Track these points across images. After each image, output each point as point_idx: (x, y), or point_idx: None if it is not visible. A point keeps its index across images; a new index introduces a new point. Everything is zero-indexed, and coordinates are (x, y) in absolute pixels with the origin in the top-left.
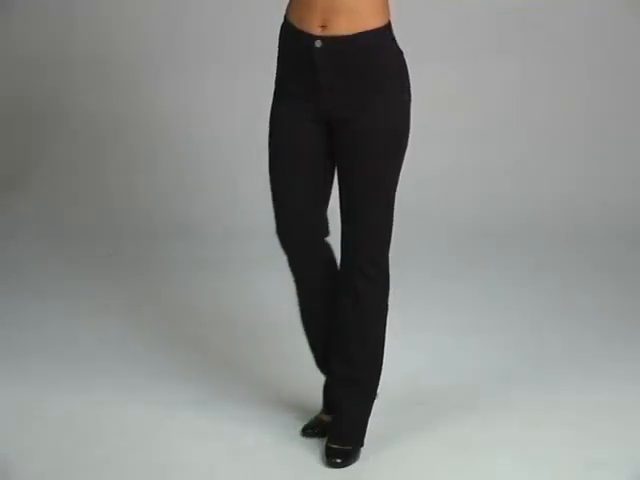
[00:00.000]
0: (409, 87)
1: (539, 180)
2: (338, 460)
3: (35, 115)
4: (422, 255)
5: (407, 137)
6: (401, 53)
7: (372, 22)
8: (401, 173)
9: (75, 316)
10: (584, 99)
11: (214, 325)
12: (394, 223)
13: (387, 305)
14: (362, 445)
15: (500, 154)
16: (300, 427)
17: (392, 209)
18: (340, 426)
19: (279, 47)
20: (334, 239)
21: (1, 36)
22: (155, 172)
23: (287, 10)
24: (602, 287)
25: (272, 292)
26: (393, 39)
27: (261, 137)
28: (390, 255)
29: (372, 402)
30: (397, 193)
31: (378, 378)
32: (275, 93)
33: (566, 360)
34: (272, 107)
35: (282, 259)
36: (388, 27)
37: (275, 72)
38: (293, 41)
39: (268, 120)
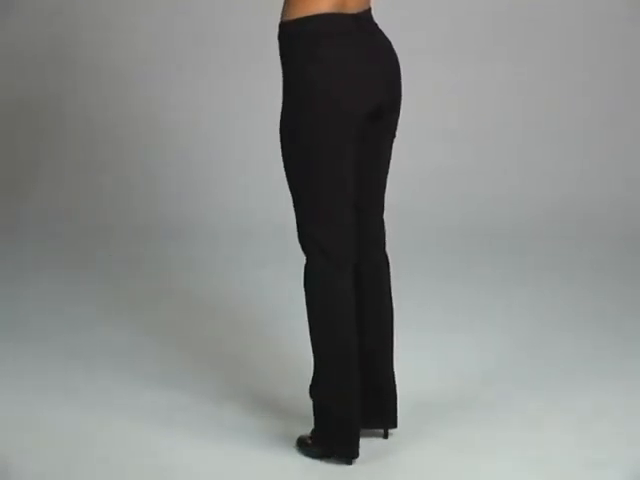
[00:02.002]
0: (295, 102)
1: (537, 180)
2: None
3: (35, 115)
4: (421, 255)
5: (290, 149)
6: (294, 61)
7: (284, 14)
8: (400, 173)
9: (75, 316)
10: (582, 99)
11: (214, 325)
12: (390, 221)
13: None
14: (320, 430)
15: (497, 154)
16: (301, 428)
17: (302, 199)
18: None
19: None
20: None
21: (1, 36)
22: (154, 172)
23: None
24: (601, 287)
25: (272, 292)
26: (292, 39)
27: (261, 137)
28: (389, 255)
29: (321, 383)
30: (395, 192)
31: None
32: None
33: (566, 360)
34: None
35: (282, 259)
36: (293, 23)
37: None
38: None
39: (269, 121)
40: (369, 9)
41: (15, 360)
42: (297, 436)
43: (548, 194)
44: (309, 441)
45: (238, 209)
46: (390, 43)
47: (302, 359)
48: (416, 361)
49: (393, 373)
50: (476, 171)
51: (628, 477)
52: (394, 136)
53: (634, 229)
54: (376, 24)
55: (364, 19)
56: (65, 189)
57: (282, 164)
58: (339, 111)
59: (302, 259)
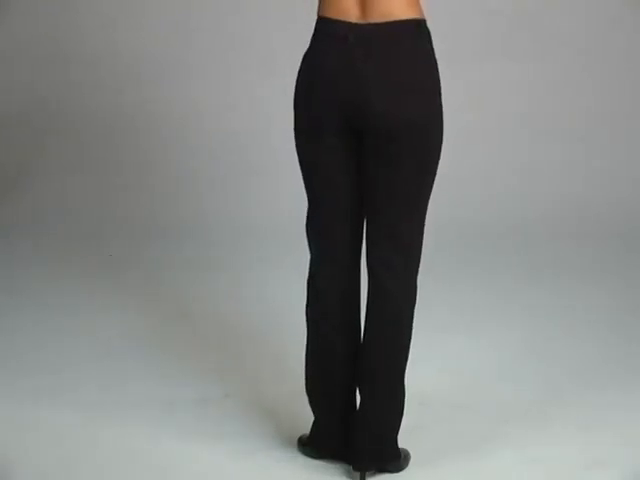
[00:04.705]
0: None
1: (539, 180)
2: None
3: (34, 115)
4: (422, 255)
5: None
6: (299, 67)
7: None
8: None
9: (75, 316)
10: (585, 99)
11: (214, 325)
12: None
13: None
14: (313, 431)
15: (499, 154)
16: (302, 428)
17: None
18: None
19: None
20: None
21: (1, 36)
22: (155, 172)
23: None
24: (603, 287)
25: (274, 292)
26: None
27: (262, 137)
28: None
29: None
30: None
31: None
32: None
33: (566, 359)
34: None
35: (282, 259)
36: (315, 27)
37: None
38: None
39: (270, 121)
40: (393, 22)
41: (14, 360)
42: (298, 436)
43: (550, 194)
44: (308, 441)
45: (238, 209)
46: (409, 63)
47: (303, 359)
48: (416, 361)
49: (374, 408)
50: (477, 171)
51: (628, 477)
52: (403, 170)
53: (637, 229)
54: (401, 38)
55: (369, 30)
56: (64, 189)
57: (282, 163)
58: (300, 110)
59: (301, 258)
